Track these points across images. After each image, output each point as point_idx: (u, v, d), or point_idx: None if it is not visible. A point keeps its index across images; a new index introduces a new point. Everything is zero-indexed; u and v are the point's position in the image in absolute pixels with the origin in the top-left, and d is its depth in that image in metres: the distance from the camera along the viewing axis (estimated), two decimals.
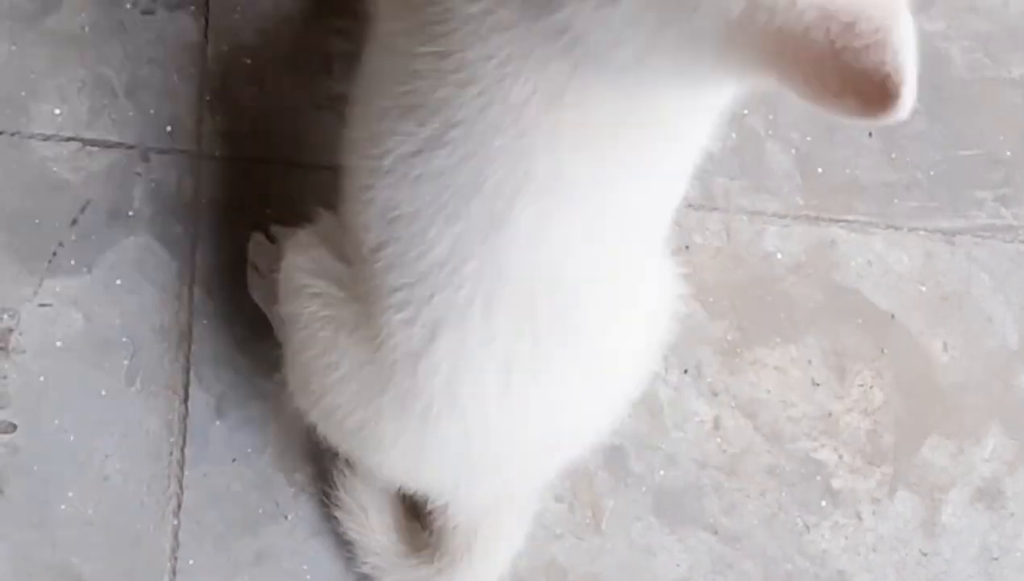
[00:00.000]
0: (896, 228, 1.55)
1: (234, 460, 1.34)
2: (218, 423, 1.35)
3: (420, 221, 0.96)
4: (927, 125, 1.59)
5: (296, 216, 1.22)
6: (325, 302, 1.11)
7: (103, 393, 1.33)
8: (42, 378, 1.33)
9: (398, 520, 1.30)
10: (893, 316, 1.52)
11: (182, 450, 1.33)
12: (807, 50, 0.74)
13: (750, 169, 1.53)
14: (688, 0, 0.77)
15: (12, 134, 1.38)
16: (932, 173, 1.58)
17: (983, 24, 1.64)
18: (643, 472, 1.42)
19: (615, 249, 0.99)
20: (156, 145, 1.40)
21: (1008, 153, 1.60)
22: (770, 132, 1.55)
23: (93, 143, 1.39)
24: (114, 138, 1.40)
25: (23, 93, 1.39)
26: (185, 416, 1.34)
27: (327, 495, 1.31)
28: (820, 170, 1.55)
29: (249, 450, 1.34)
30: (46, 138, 1.39)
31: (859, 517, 1.45)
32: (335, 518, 1.32)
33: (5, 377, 1.32)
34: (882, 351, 1.51)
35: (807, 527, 1.44)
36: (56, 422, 1.32)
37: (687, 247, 1.49)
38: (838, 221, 1.54)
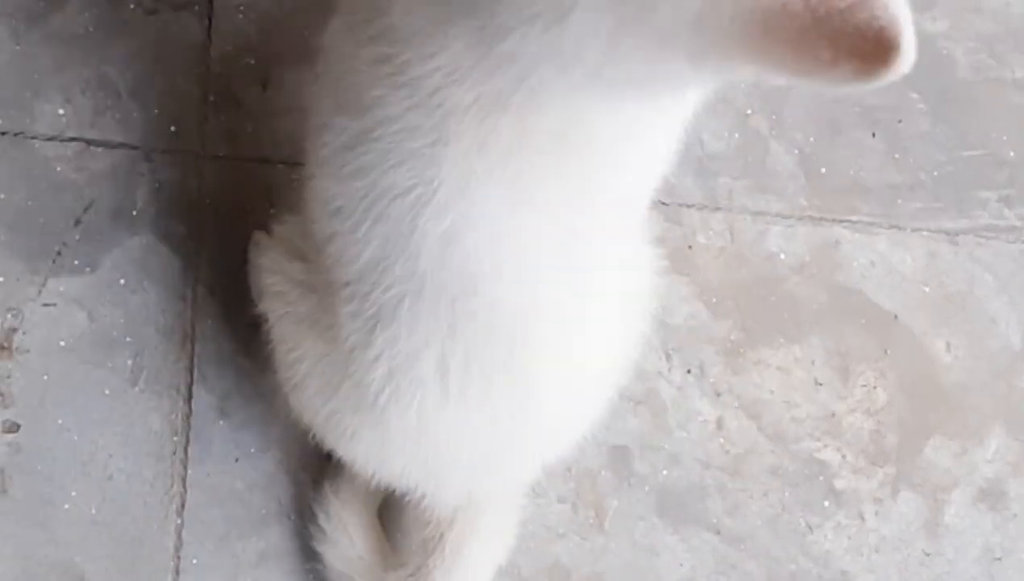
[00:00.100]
0: (900, 228, 1.55)
1: (237, 460, 1.34)
2: (221, 423, 1.35)
3: (354, 217, 0.97)
4: (931, 126, 1.59)
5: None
6: (286, 299, 1.14)
7: (106, 392, 1.33)
8: (46, 377, 1.33)
9: (379, 542, 1.30)
10: (896, 317, 1.52)
11: (185, 449, 1.34)
12: (788, 25, 0.69)
13: (754, 169, 1.53)
14: (646, 1, 0.73)
15: (16, 134, 1.38)
16: (936, 174, 1.58)
17: (987, 25, 1.64)
18: (646, 472, 1.42)
19: (533, 264, 0.97)
20: (160, 145, 1.41)
21: (1012, 154, 1.60)
22: (774, 132, 1.55)
23: (97, 143, 1.40)
24: (118, 138, 1.40)
25: (27, 93, 1.39)
26: (188, 415, 1.34)
27: (309, 521, 1.32)
28: (824, 170, 1.55)
29: (252, 450, 1.34)
30: (50, 138, 1.39)
31: (862, 517, 1.45)
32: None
33: (9, 376, 1.32)
34: (885, 352, 1.51)
35: (810, 527, 1.44)
36: (60, 421, 1.32)
37: (690, 247, 1.49)
38: (842, 221, 1.54)
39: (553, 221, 0.93)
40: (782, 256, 1.51)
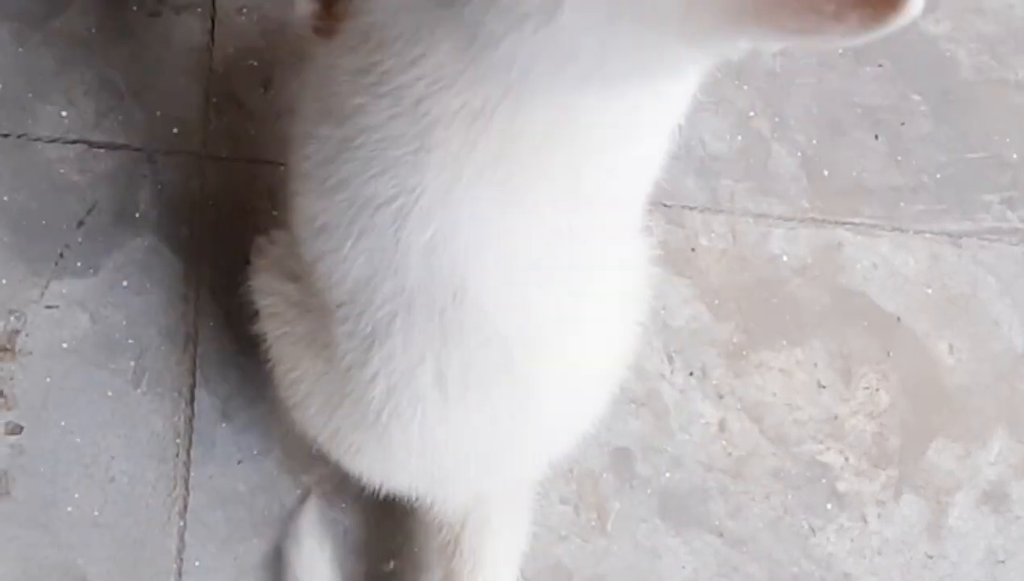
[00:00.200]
0: (902, 231, 1.55)
1: (240, 462, 1.34)
2: (224, 425, 1.35)
3: (338, 234, 0.96)
4: (933, 127, 1.59)
5: None
6: (282, 320, 1.14)
7: (109, 395, 1.34)
8: (48, 379, 1.33)
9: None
10: (899, 319, 1.52)
11: (188, 452, 1.34)
12: None
13: (756, 171, 1.53)
14: None
15: (19, 136, 1.38)
16: (938, 176, 1.58)
17: (989, 26, 1.64)
18: (649, 474, 1.42)
19: (524, 266, 0.97)
20: (162, 147, 1.41)
21: (1015, 156, 1.59)
22: (776, 134, 1.55)
23: (99, 145, 1.40)
24: (120, 140, 1.40)
25: (30, 95, 1.40)
26: (191, 418, 1.34)
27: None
28: (826, 173, 1.55)
29: (255, 452, 1.34)
30: (53, 140, 1.39)
31: (865, 520, 1.45)
32: (340, 520, 1.33)
33: (12, 378, 1.32)
34: (888, 354, 1.50)
35: (812, 530, 1.43)
36: (62, 423, 1.32)
37: (693, 249, 1.49)
38: (844, 224, 1.54)
39: (544, 222, 0.92)
40: (784, 258, 1.51)
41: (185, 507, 1.32)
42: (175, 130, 1.41)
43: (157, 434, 1.33)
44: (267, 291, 1.16)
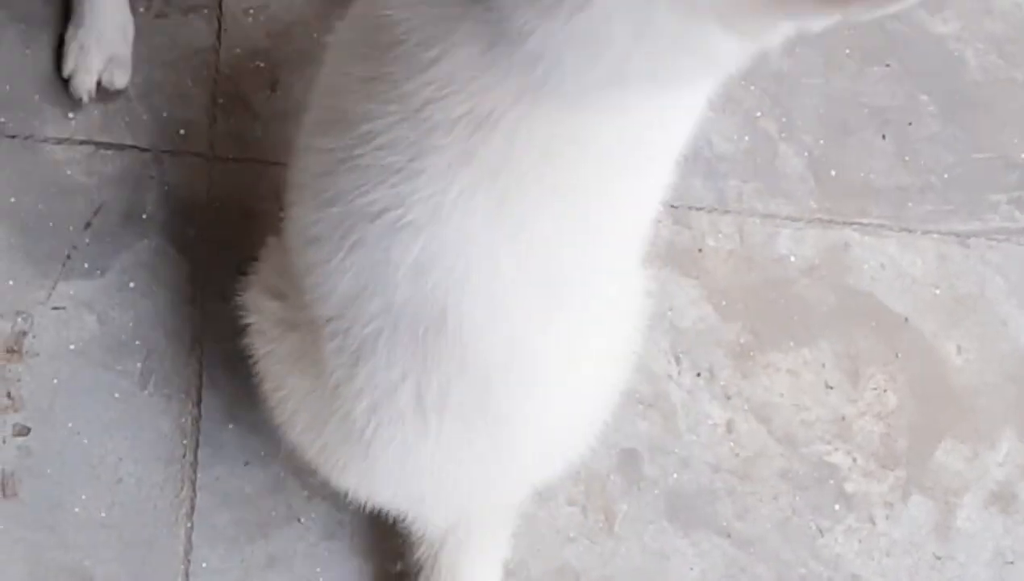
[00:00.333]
0: (910, 231, 1.54)
1: (247, 463, 1.34)
2: (231, 426, 1.35)
3: (330, 245, 0.96)
4: (941, 128, 1.58)
5: None
6: (268, 337, 1.14)
7: (116, 396, 1.34)
8: (55, 381, 1.33)
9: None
10: (907, 319, 1.52)
11: (195, 453, 1.34)
12: None
13: (763, 172, 1.53)
14: None
15: (26, 138, 1.38)
16: (946, 176, 1.57)
17: (997, 26, 1.64)
18: (656, 475, 1.41)
19: (511, 294, 0.95)
20: (169, 148, 1.41)
21: (1023, 156, 1.59)
22: (783, 135, 1.55)
23: (106, 146, 1.40)
24: (127, 141, 1.40)
25: (37, 97, 1.40)
26: (198, 419, 1.34)
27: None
28: (833, 173, 1.55)
29: (262, 453, 1.34)
30: (59, 141, 1.39)
31: (873, 521, 1.44)
32: (347, 521, 1.33)
33: (19, 380, 1.32)
34: (896, 354, 1.50)
35: (820, 531, 1.43)
36: (69, 425, 1.32)
37: (700, 250, 1.49)
38: (851, 224, 1.53)
39: (536, 248, 0.90)
40: (792, 259, 1.51)
41: (192, 508, 1.32)
42: (182, 131, 1.42)
43: (164, 435, 1.34)
44: (254, 309, 1.16)
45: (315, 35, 1.48)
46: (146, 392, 1.34)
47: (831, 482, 1.45)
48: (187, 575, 1.31)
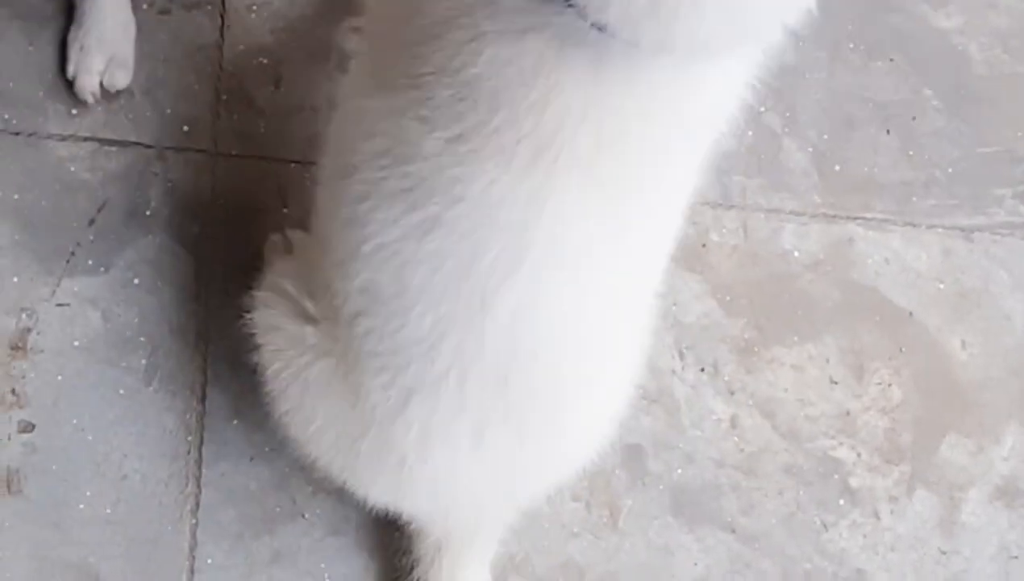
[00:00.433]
0: (914, 226, 1.54)
1: (252, 459, 1.34)
2: (235, 422, 1.35)
3: (403, 300, 0.97)
4: (945, 122, 1.58)
5: (311, 217, 1.22)
6: (289, 360, 1.13)
7: (121, 392, 1.34)
8: (60, 378, 1.33)
9: None
10: (911, 314, 1.52)
11: (200, 449, 1.34)
12: None
13: (767, 167, 1.53)
14: None
15: (30, 135, 1.38)
16: (950, 170, 1.57)
17: (1001, 20, 1.63)
18: (660, 471, 1.41)
19: (597, 319, 0.99)
20: (173, 144, 1.41)
21: None
22: (787, 130, 1.55)
23: (110, 143, 1.40)
24: (131, 138, 1.40)
25: (40, 93, 1.40)
26: (203, 415, 1.34)
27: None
28: (837, 168, 1.55)
29: (267, 449, 1.34)
30: (63, 138, 1.39)
31: (877, 516, 1.44)
32: (352, 517, 1.33)
33: (23, 377, 1.32)
34: (900, 349, 1.50)
35: (825, 526, 1.43)
36: (74, 421, 1.32)
37: (704, 245, 1.49)
38: (856, 219, 1.53)
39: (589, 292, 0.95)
40: (796, 254, 1.51)
41: (197, 504, 1.32)
42: (185, 128, 1.42)
43: (169, 431, 1.34)
44: (273, 328, 1.15)
45: (319, 31, 1.48)
46: (151, 388, 1.34)
47: (835, 477, 1.45)
48: (192, 571, 1.31)
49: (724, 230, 1.50)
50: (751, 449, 1.44)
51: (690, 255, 1.47)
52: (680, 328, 1.45)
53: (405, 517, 1.25)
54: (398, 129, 0.91)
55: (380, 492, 1.16)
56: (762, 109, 1.54)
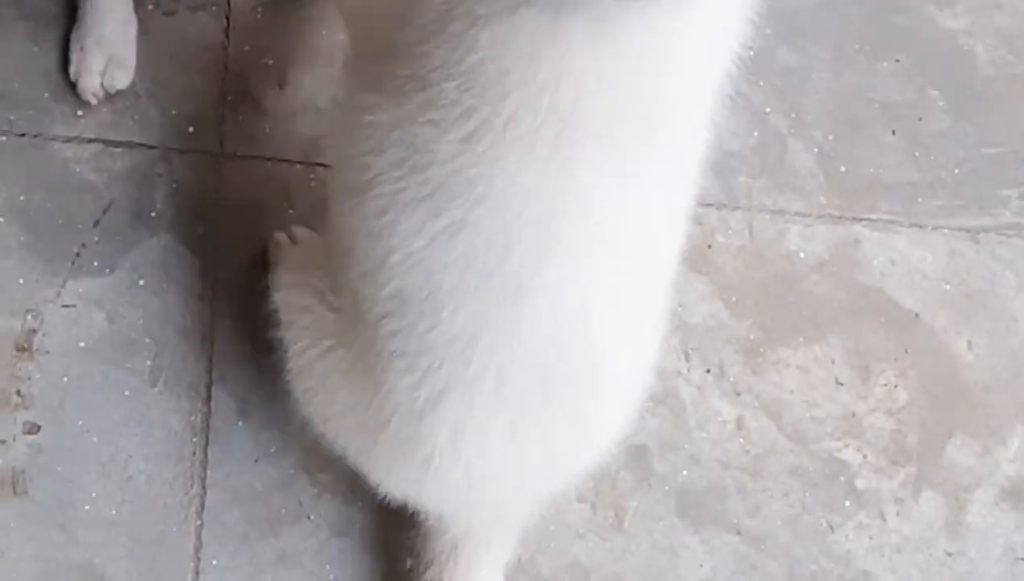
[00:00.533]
0: (920, 226, 1.54)
1: (257, 460, 1.34)
2: (241, 423, 1.35)
3: (433, 302, 0.96)
4: (951, 123, 1.58)
5: (317, 217, 1.22)
6: (314, 339, 1.12)
7: (126, 394, 1.34)
8: (65, 379, 1.33)
9: None
10: (917, 315, 1.51)
11: (205, 450, 1.34)
12: None
13: (773, 168, 1.53)
14: None
15: (35, 136, 1.38)
16: (956, 171, 1.57)
17: (1007, 21, 1.63)
18: (666, 472, 1.41)
19: (634, 292, 0.99)
20: (178, 145, 1.41)
21: None
22: (793, 131, 1.55)
23: (115, 144, 1.40)
24: (136, 139, 1.40)
25: (46, 95, 1.40)
26: (208, 416, 1.34)
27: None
28: (843, 169, 1.55)
29: (272, 450, 1.34)
30: (68, 140, 1.39)
31: (883, 517, 1.44)
32: (358, 519, 1.33)
33: (29, 378, 1.32)
34: (906, 350, 1.50)
35: (831, 527, 1.43)
36: (79, 423, 1.32)
37: (709, 246, 1.49)
38: (861, 220, 1.53)
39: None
40: (801, 255, 1.51)
41: (202, 506, 1.32)
42: (191, 129, 1.42)
43: (174, 433, 1.34)
44: (304, 308, 1.14)
45: (323, 32, 1.48)
46: (156, 389, 1.34)
47: (841, 478, 1.44)
48: (197, 572, 1.31)
49: (730, 231, 1.50)
50: (757, 450, 1.44)
51: (696, 256, 1.47)
52: (686, 329, 1.45)
53: (420, 514, 1.24)
54: (411, 137, 0.91)
55: (399, 485, 1.14)
56: (767, 110, 1.54)
